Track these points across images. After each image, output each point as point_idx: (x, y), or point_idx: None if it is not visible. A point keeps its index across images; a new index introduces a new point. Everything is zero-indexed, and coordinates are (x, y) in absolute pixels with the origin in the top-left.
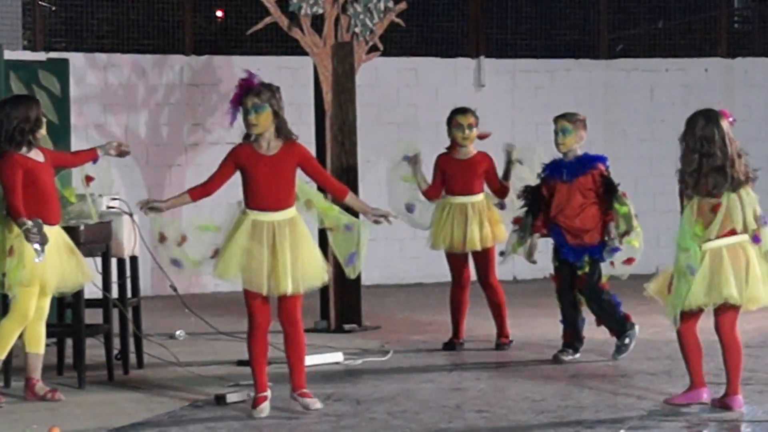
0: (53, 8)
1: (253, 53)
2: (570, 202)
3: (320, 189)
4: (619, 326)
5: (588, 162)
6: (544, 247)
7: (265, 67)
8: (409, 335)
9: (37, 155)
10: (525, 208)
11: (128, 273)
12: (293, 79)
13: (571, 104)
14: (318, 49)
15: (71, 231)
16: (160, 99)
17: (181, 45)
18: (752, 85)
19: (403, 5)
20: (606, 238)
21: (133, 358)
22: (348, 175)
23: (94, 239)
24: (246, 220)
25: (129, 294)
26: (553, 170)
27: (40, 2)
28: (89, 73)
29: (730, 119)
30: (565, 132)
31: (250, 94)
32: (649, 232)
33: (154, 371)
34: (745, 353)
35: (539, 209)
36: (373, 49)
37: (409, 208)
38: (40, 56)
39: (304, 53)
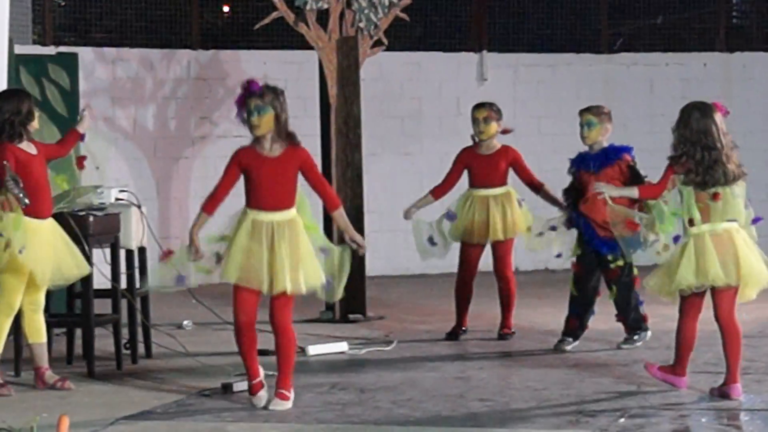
0: (62, 3)
1: (259, 48)
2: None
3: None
4: (636, 324)
5: (614, 153)
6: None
7: (271, 62)
8: (412, 325)
9: (29, 147)
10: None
11: (137, 264)
12: (299, 73)
13: (573, 98)
14: (323, 43)
15: (80, 222)
16: (168, 93)
17: (188, 39)
18: (750, 79)
19: (407, 0)
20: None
21: (141, 347)
22: (353, 168)
23: (102, 230)
24: (246, 219)
25: (137, 284)
26: (580, 163)
27: None
28: (98, 67)
29: (723, 112)
30: (591, 125)
31: (253, 95)
32: None
33: (163, 361)
34: (743, 343)
35: (576, 204)
36: (378, 43)
37: (431, 242)
38: (50, 51)
39: (310, 48)
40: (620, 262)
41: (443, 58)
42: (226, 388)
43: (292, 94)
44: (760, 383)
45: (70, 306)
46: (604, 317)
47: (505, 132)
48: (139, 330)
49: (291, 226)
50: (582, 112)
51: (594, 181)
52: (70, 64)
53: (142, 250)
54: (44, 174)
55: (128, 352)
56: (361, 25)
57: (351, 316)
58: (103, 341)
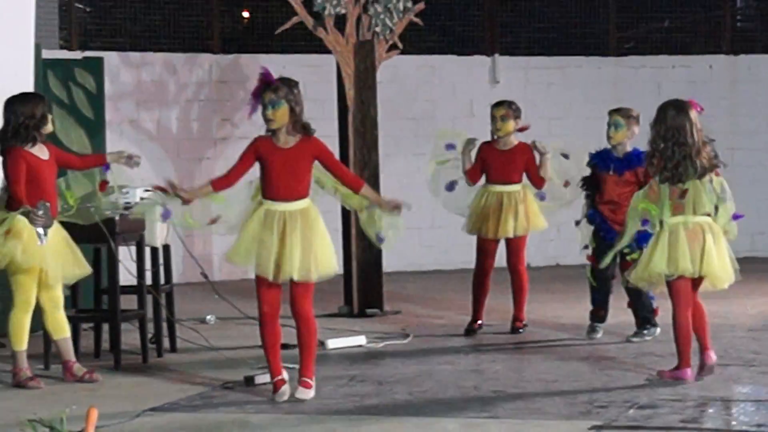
0: (88, 9)
1: (278, 52)
2: (617, 194)
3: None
4: (646, 319)
5: (636, 159)
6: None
7: (290, 65)
8: (428, 319)
9: (41, 152)
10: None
11: (161, 261)
12: (317, 76)
13: (582, 100)
14: (341, 47)
15: (107, 221)
16: (191, 95)
17: (210, 44)
18: (755, 81)
19: (421, 5)
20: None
21: (166, 342)
22: (369, 168)
23: (128, 229)
24: (260, 209)
25: (162, 281)
26: (601, 161)
27: (76, 3)
28: (123, 71)
29: (698, 109)
30: (617, 126)
31: (267, 89)
32: None
33: (187, 354)
34: (748, 336)
35: (596, 196)
36: (393, 47)
37: (451, 186)
38: (76, 55)
39: (328, 52)
40: (635, 255)
41: (456, 61)
42: (249, 381)
43: (311, 97)
44: (766, 375)
45: (97, 302)
46: (613, 311)
47: (521, 129)
48: (164, 325)
49: (304, 215)
50: (611, 113)
51: (613, 183)
52: (96, 68)
53: (166, 248)
54: (52, 179)
55: (154, 346)
56: (378, 29)
57: (368, 311)
58: (130, 336)
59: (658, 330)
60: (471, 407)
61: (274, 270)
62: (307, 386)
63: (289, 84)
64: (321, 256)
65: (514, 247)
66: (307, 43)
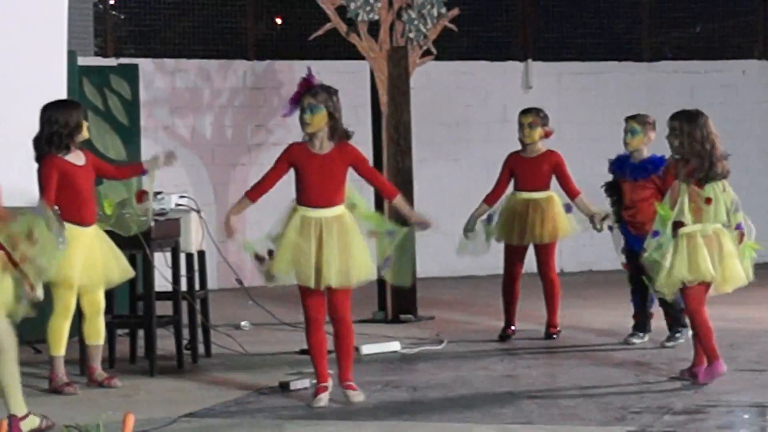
0: (123, 16)
1: (312, 58)
2: (632, 199)
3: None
4: (677, 321)
5: (651, 166)
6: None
7: (324, 71)
8: (462, 325)
9: (77, 158)
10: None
11: (196, 267)
12: (351, 82)
13: (615, 105)
14: (374, 53)
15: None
16: (225, 102)
17: (244, 50)
18: None
19: (455, 11)
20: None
21: (201, 347)
22: (403, 173)
23: (164, 235)
24: (296, 216)
25: (197, 287)
26: (619, 167)
27: (110, 11)
28: (158, 77)
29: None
30: (634, 133)
31: (307, 93)
32: None
33: (221, 360)
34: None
35: (620, 200)
36: (427, 53)
37: (489, 220)
38: (111, 62)
39: (362, 58)
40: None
41: (490, 67)
42: (284, 387)
43: (345, 103)
44: None
45: (132, 308)
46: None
47: (546, 135)
48: (199, 330)
49: (340, 221)
50: (627, 119)
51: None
52: (131, 74)
53: (201, 254)
54: (89, 185)
55: (189, 351)
56: (411, 35)
57: (402, 317)
58: (165, 341)
59: (690, 332)
60: (506, 413)
61: (315, 277)
62: (355, 388)
63: (329, 91)
64: (359, 261)
65: (543, 253)
66: (340, 49)
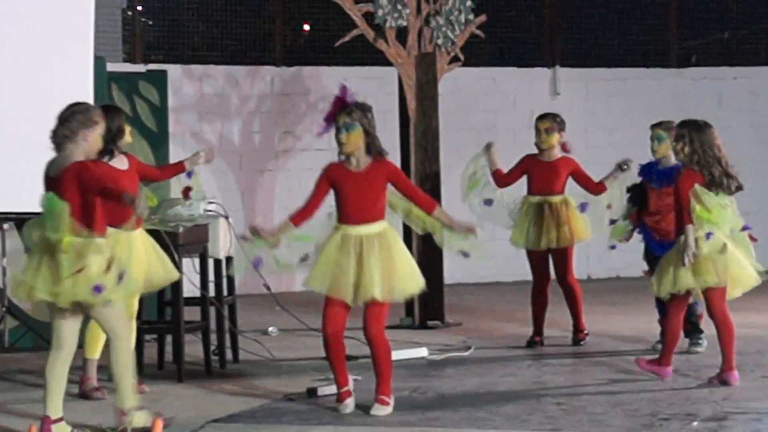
0: (151, 22)
1: (339, 64)
2: (657, 206)
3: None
4: (694, 318)
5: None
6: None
7: (352, 77)
8: (489, 331)
9: (120, 162)
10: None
11: (224, 273)
12: (379, 88)
13: (642, 111)
14: (402, 59)
15: (171, 233)
16: (253, 108)
17: (271, 57)
18: None
19: (482, 18)
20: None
21: (229, 353)
22: (431, 179)
23: (192, 241)
24: (337, 233)
25: (225, 292)
26: (646, 174)
27: (139, 17)
28: (186, 83)
29: None
30: (660, 140)
31: (342, 112)
32: None
33: (249, 365)
34: None
35: (640, 202)
36: (455, 59)
37: (488, 203)
38: (140, 68)
39: (389, 64)
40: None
41: (517, 73)
42: (311, 393)
43: (373, 109)
44: None
45: (160, 313)
46: None
47: (564, 149)
48: (227, 336)
49: (381, 237)
50: (653, 127)
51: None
52: (159, 80)
53: (229, 260)
54: (133, 187)
55: (216, 357)
56: (439, 41)
57: (430, 323)
58: (193, 347)
59: (705, 341)
60: (533, 420)
61: (353, 293)
62: (384, 403)
63: (363, 108)
64: (403, 274)
65: (560, 258)
66: (368, 55)
